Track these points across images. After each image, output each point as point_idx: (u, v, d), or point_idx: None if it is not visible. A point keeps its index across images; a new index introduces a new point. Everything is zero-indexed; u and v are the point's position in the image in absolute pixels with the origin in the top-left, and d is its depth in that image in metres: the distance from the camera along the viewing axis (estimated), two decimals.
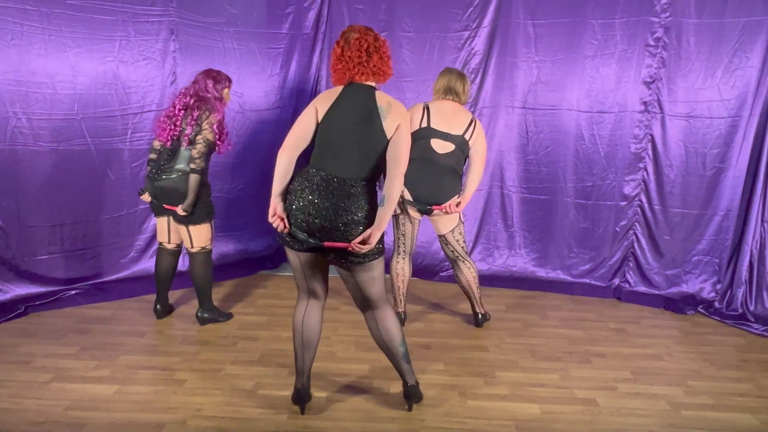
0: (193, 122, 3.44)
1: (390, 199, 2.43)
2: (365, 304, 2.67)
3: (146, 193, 3.57)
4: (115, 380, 3.01)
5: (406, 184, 3.53)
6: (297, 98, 4.94)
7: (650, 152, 4.45)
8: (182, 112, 3.48)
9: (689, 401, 3.03)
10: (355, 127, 2.46)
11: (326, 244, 2.46)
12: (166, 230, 3.67)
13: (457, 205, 3.58)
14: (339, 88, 2.54)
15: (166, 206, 3.51)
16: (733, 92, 4.20)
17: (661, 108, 4.38)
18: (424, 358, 3.39)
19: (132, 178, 4.29)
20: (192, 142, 3.43)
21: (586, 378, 3.24)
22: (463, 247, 3.74)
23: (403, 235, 3.73)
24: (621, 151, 4.50)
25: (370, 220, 2.47)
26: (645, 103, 4.40)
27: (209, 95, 3.49)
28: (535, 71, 4.56)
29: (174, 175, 3.47)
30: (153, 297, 3.89)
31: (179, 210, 3.45)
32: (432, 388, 3.02)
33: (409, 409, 2.81)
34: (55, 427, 2.58)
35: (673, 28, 4.24)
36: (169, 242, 3.70)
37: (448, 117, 3.55)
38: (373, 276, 2.57)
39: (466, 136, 3.54)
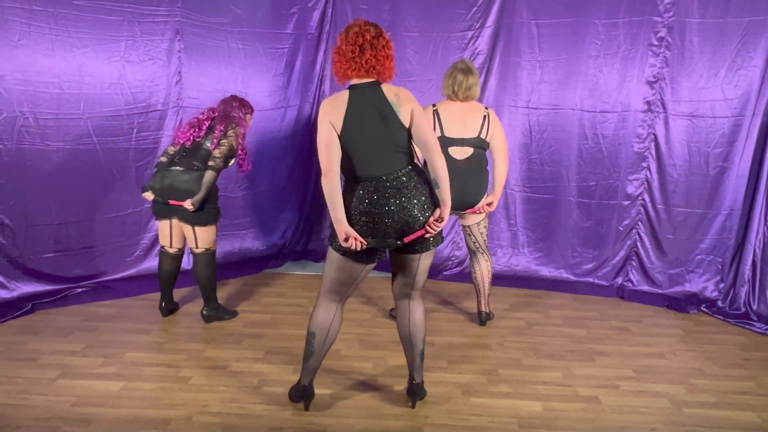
0: (222, 129, 3.58)
1: (441, 179, 2.50)
2: (406, 291, 2.71)
3: (149, 191, 3.59)
4: (121, 377, 3.04)
5: None
6: (301, 98, 4.97)
7: (653, 151, 4.46)
8: (209, 120, 3.61)
9: (691, 399, 3.04)
10: (377, 128, 2.46)
11: (406, 239, 2.50)
12: (168, 234, 3.69)
13: (489, 204, 3.64)
14: (344, 95, 2.49)
15: (172, 202, 3.51)
16: (737, 92, 4.20)
17: (664, 107, 4.38)
18: (427, 355, 3.37)
19: (137, 176, 4.32)
20: (218, 145, 3.55)
21: (589, 376, 3.25)
22: (485, 240, 3.80)
23: None
24: (624, 150, 4.50)
25: (434, 199, 2.54)
26: (648, 103, 4.41)
27: (235, 114, 3.67)
28: (538, 71, 4.58)
29: (185, 168, 3.50)
30: (158, 295, 3.93)
31: (187, 204, 3.47)
32: (436, 386, 3.04)
33: (413, 406, 2.83)
34: (62, 423, 2.61)
35: (677, 27, 4.25)
36: (170, 246, 3.72)
37: (460, 121, 3.54)
38: (430, 262, 2.67)
39: (482, 135, 3.55)
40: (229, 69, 4.55)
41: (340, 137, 2.46)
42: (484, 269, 3.81)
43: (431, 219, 2.50)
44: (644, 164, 4.50)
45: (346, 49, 2.48)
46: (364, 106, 2.46)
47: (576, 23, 4.43)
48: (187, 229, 3.61)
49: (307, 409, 2.77)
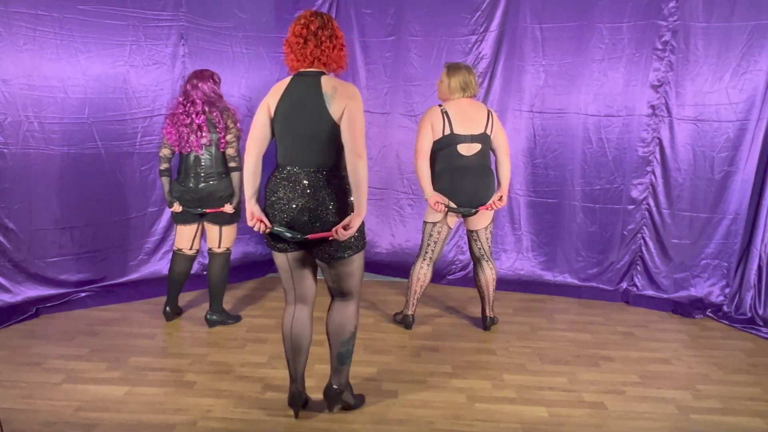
0: (224, 128, 3.53)
1: (356, 185, 2.37)
2: (337, 293, 2.67)
3: (176, 203, 3.61)
4: (125, 381, 3.03)
5: (444, 193, 3.56)
6: None
7: (658, 156, 4.45)
8: (203, 117, 3.51)
9: (698, 405, 3.03)
10: (303, 116, 2.43)
11: (310, 237, 2.45)
12: (191, 237, 3.72)
13: (500, 199, 3.63)
14: (287, 80, 2.51)
15: (210, 210, 3.58)
16: (742, 96, 4.19)
17: (669, 111, 4.37)
18: (431, 360, 3.40)
19: (141, 181, 4.33)
20: (227, 143, 3.54)
21: (594, 381, 3.24)
22: (490, 246, 3.79)
23: (435, 243, 3.73)
24: (629, 154, 4.49)
25: (342, 209, 2.46)
26: (653, 107, 4.40)
27: (214, 96, 3.56)
28: (542, 75, 4.57)
29: (216, 180, 3.55)
30: (162, 299, 3.92)
31: (228, 209, 3.57)
32: (440, 391, 3.03)
33: (329, 410, 2.79)
34: (66, 428, 2.60)
35: (681, 31, 4.24)
36: (190, 249, 3.75)
37: (469, 118, 3.56)
38: (350, 270, 2.57)
39: (488, 131, 3.57)
40: (233, 73, 4.55)
41: (273, 122, 2.50)
42: (488, 276, 3.79)
43: (339, 225, 2.41)
44: (649, 168, 4.48)
45: (291, 40, 2.47)
46: (298, 95, 2.46)
47: (580, 27, 4.43)
48: (213, 229, 3.65)
49: (296, 416, 2.75)
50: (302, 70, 2.49)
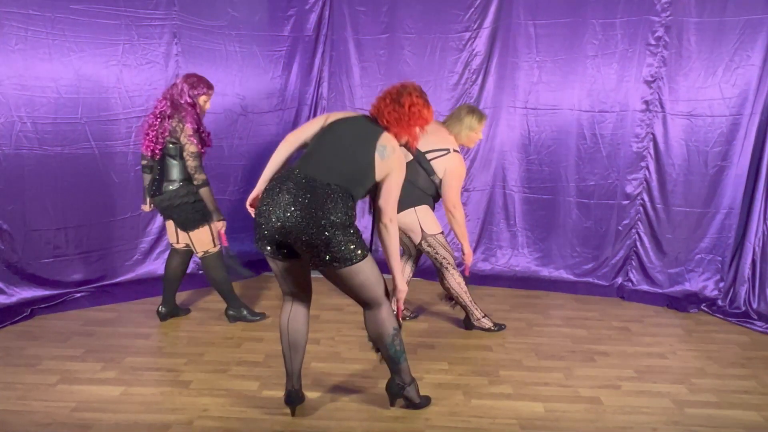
0: (166, 134, 3.42)
1: (385, 248, 2.52)
2: (360, 304, 2.64)
3: (147, 205, 3.69)
4: (121, 382, 3.03)
5: None
6: (299, 100, 4.96)
7: (652, 151, 4.46)
8: (159, 120, 3.45)
9: (693, 399, 3.04)
10: (349, 146, 2.47)
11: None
12: (174, 232, 3.72)
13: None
14: (358, 113, 2.63)
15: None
16: (734, 91, 4.20)
17: (662, 107, 4.38)
18: (427, 357, 3.40)
19: (136, 181, 4.31)
20: (178, 155, 3.45)
21: (590, 377, 3.24)
22: (435, 258, 3.59)
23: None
24: (623, 150, 4.50)
25: (345, 225, 2.40)
26: (646, 102, 4.41)
27: (182, 101, 3.43)
28: (536, 71, 4.58)
29: (171, 187, 3.49)
30: (158, 299, 3.91)
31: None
32: (436, 388, 3.03)
33: (390, 404, 2.81)
34: (61, 429, 2.59)
35: (674, 27, 4.25)
36: (177, 242, 3.73)
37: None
38: (358, 282, 2.48)
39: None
40: (227, 72, 4.54)
41: (322, 128, 2.57)
42: (445, 285, 3.66)
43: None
44: (643, 164, 4.50)
45: (382, 97, 2.58)
46: (358, 127, 2.54)
47: (573, 23, 4.43)
48: (183, 235, 3.64)
49: (293, 414, 2.75)
50: (374, 116, 2.57)
